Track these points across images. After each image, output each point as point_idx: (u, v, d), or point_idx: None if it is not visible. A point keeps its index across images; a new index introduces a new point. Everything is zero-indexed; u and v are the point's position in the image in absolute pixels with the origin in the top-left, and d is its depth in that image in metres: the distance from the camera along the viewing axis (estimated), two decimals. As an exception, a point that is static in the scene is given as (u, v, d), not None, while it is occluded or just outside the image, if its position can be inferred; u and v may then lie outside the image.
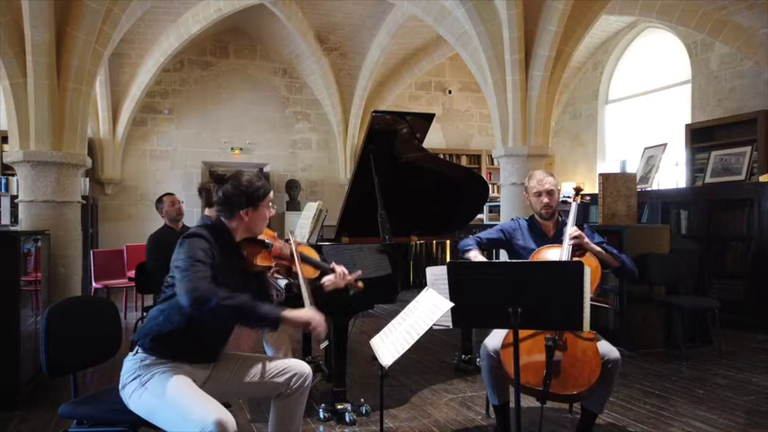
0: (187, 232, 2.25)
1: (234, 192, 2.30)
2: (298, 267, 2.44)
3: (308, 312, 2.20)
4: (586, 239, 2.91)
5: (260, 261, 2.39)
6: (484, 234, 3.28)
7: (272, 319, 2.12)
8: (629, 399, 3.80)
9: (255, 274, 2.41)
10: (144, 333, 2.20)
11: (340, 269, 2.56)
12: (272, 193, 2.41)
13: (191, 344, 2.20)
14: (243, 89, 9.98)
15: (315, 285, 2.56)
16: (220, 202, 2.32)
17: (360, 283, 2.66)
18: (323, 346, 2.31)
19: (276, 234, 2.58)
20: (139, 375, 2.14)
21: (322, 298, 3.27)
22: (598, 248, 2.95)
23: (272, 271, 2.46)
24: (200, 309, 2.03)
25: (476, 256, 3.08)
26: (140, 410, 2.12)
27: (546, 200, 3.08)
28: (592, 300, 3.11)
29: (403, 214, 3.87)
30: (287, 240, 2.55)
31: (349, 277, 2.57)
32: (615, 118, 9.88)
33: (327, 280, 2.54)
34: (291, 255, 2.47)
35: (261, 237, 2.45)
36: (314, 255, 2.70)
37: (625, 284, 5.05)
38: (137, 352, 2.20)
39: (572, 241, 2.86)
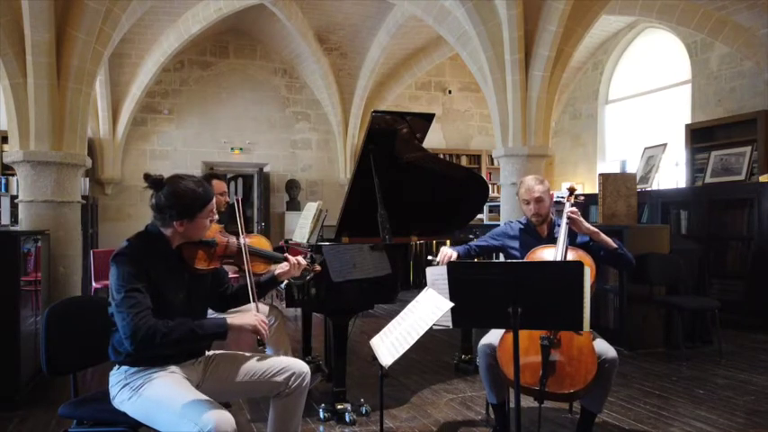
0: (116, 251, 2.12)
1: (167, 203, 2.13)
2: (246, 265, 2.32)
3: (251, 318, 2.18)
4: (581, 219, 2.97)
5: (203, 264, 2.26)
6: (475, 242, 3.36)
7: (220, 334, 2.12)
8: (629, 399, 3.80)
9: (208, 274, 2.32)
10: (118, 353, 2.14)
11: (293, 259, 2.49)
12: (213, 202, 2.23)
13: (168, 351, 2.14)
14: (243, 89, 9.99)
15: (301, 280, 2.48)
16: (154, 209, 2.17)
17: (317, 266, 2.61)
18: (267, 351, 2.29)
19: (222, 227, 2.46)
20: (128, 383, 2.11)
21: (307, 292, 3.29)
22: (593, 228, 3.00)
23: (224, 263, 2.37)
24: (145, 351, 2.02)
25: (449, 252, 3.16)
26: (137, 415, 2.09)
27: (534, 208, 3.11)
28: None
29: (403, 214, 3.86)
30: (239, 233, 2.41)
31: (303, 263, 2.50)
32: (615, 118, 9.88)
33: (280, 269, 2.48)
34: (239, 251, 2.34)
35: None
36: (266, 246, 2.63)
37: (625, 284, 5.06)
38: (120, 366, 2.16)
39: (567, 220, 2.93)
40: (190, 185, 2.16)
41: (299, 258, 2.52)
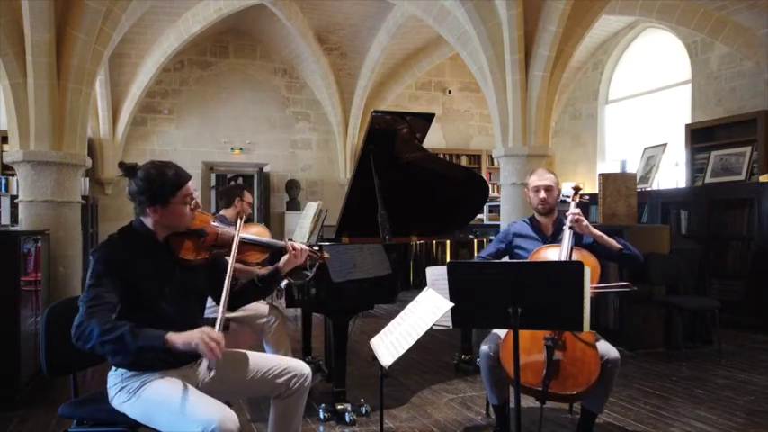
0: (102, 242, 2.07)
1: (137, 189, 2.10)
2: (232, 257, 2.16)
3: (192, 336, 1.87)
4: (585, 222, 2.94)
5: (190, 254, 2.16)
6: (484, 252, 3.33)
7: (154, 348, 1.91)
8: (629, 399, 3.80)
9: (201, 266, 2.23)
10: (114, 357, 2.09)
11: (299, 246, 2.35)
12: (189, 186, 2.14)
13: (161, 354, 2.04)
14: (243, 89, 9.98)
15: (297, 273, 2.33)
16: (129, 197, 2.15)
17: (325, 254, 2.50)
18: (211, 373, 2.00)
19: (215, 217, 2.34)
20: (125, 386, 2.09)
21: (307, 292, 3.27)
22: (597, 232, 2.98)
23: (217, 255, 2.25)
24: (82, 346, 1.92)
25: None
26: (136, 415, 2.07)
27: (543, 195, 3.10)
28: (612, 287, 3.27)
29: (403, 214, 3.87)
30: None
31: (305, 249, 2.37)
32: (615, 118, 9.88)
33: (283, 260, 2.36)
34: (232, 240, 2.21)
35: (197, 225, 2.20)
36: (265, 235, 2.51)
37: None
38: (116, 368, 2.13)
39: (571, 223, 2.91)
40: (160, 170, 2.12)
41: (302, 245, 2.39)
